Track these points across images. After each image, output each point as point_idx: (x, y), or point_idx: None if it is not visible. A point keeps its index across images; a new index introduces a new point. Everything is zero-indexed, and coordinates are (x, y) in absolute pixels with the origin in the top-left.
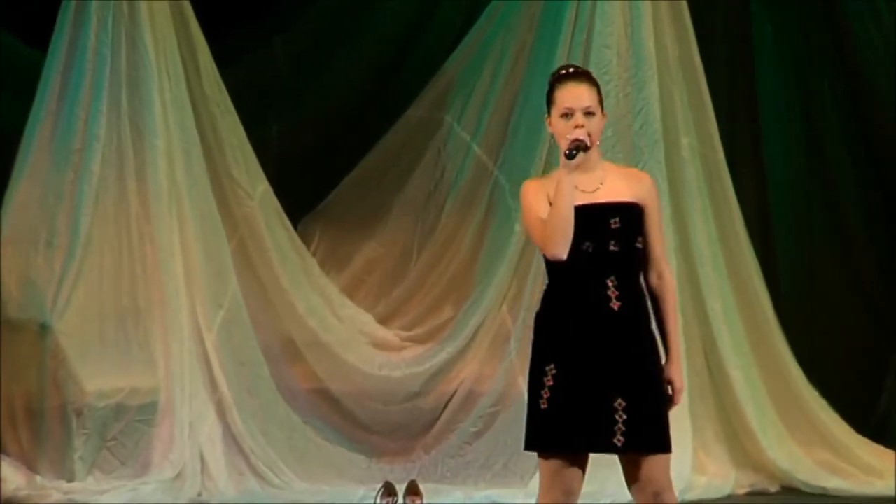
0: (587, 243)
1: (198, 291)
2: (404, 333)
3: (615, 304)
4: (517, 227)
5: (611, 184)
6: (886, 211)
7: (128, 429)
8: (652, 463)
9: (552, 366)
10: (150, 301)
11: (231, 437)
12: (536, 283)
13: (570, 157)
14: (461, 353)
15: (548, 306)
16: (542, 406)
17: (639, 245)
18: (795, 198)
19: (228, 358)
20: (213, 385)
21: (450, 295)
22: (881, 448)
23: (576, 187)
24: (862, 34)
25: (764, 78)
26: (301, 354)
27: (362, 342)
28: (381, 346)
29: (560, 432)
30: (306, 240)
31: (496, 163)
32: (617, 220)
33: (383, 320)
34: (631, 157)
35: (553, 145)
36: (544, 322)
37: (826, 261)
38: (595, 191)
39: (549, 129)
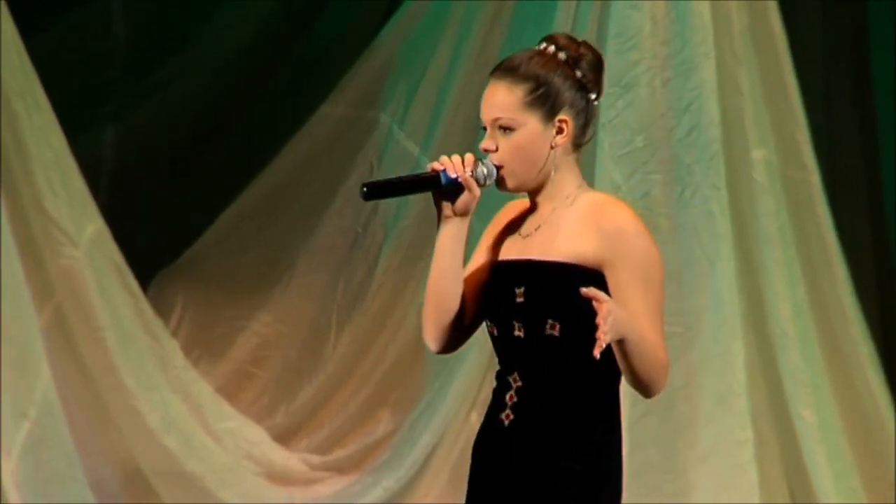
0: (490, 324)
1: None
2: (317, 459)
3: (506, 416)
4: None
5: (553, 228)
6: None
7: None
8: None
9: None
10: None
11: None
12: None
13: (364, 195)
14: (407, 487)
15: None
16: None
17: (552, 332)
18: None
19: (36, 495)
20: None
21: (388, 397)
22: None
23: (518, 232)
24: None
25: (882, 61)
26: (153, 490)
27: (250, 472)
28: (279, 478)
29: None
30: (162, 310)
31: None
32: (523, 290)
33: (283, 437)
34: (672, 178)
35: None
36: None
37: None
38: (527, 238)
39: None
